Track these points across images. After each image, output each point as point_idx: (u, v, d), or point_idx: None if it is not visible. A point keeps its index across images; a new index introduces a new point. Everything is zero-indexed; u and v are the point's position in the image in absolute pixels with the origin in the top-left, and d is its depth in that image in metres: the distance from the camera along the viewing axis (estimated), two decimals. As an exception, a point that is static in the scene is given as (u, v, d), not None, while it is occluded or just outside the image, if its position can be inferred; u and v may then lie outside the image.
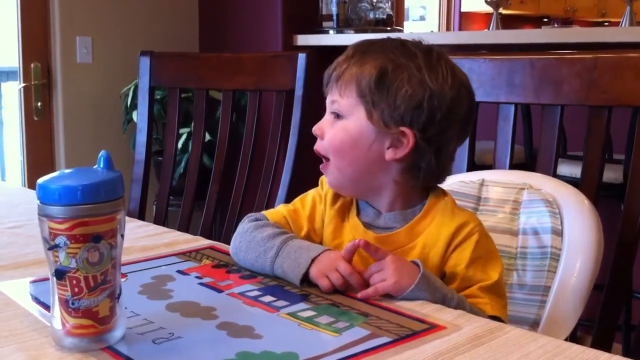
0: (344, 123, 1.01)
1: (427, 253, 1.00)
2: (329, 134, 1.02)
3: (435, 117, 0.98)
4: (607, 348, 1.19)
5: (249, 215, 1.09)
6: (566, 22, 6.60)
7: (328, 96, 1.04)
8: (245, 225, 1.06)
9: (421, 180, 1.02)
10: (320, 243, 1.06)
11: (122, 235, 0.76)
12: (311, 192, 1.11)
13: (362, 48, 1.02)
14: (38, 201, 0.73)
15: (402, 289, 0.91)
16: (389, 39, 1.03)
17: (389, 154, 1.00)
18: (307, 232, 1.07)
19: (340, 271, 0.93)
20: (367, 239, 1.00)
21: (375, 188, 1.03)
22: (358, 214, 1.06)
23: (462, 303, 0.94)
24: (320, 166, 1.06)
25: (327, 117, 1.04)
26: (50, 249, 0.73)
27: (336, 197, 1.08)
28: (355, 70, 1.00)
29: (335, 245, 1.04)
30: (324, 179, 1.10)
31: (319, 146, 1.04)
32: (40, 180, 0.73)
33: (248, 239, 1.04)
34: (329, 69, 1.04)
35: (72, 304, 0.73)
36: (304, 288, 0.94)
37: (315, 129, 1.04)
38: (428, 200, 1.03)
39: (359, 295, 0.91)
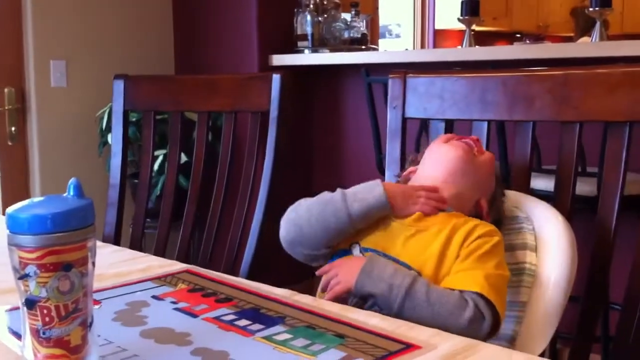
0: None
1: (450, 233, 1.09)
2: None
3: None
4: (585, 359, 1.19)
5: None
6: (538, 38, 6.68)
7: None
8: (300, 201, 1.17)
9: None
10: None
11: (94, 263, 0.75)
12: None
13: None
14: (7, 230, 0.72)
15: (350, 283, 1.04)
16: None
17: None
18: None
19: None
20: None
21: None
22: None
23: (414, 289, 1.00)
24: (467, 145, 1.24)
25: None
26: (20, 278, 0.72)
27: None
28: None
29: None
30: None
31: (476, 142, 1.26)
32: (10, 210, 0.73)
33: (308, 203, 1.14)
34: None
35: (44, 333, 0.72)
36: (280, 312, 0.93)
37: None
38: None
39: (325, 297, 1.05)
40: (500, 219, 1.22)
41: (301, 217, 1.13)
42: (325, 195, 1.14)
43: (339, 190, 1.14)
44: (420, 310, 0.99)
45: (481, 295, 1.01)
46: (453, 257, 1.07)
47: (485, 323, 1.00)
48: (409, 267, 1.06)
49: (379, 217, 1.12)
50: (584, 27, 4.15)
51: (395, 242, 1.10)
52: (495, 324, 1.01)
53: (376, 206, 1.10)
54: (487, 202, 1.20)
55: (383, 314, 0.96)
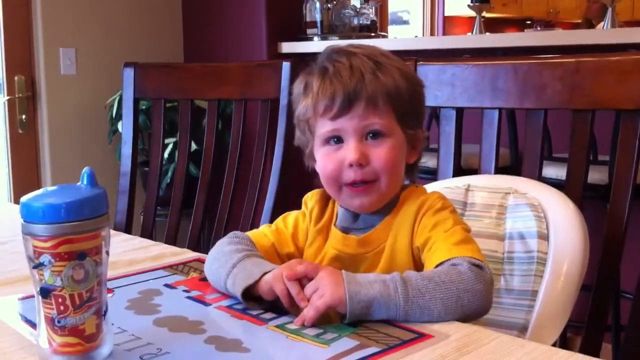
0: (390, 142, 0.98)
1: (395, 235, 1.00)
2: (379, 157, 0.97)
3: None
4: (597, 349, 1.19)
5: (233, 232, 1.07)
6: (549, 24, 6.64)
7: (351, 120, 0.96)
8: (223, 239, 1.04)
9: (415, 176, 1.06)
10: None
11: (108, 252, 0.75)
12: (293, 213, 1.10)
13: (363, 63, 0.97)
14: (22, 220, 0.72)
15: (341, 297, 0.84)
16: (358, 46, 1.02)
17: (412, 158, 1.04)
18: (292, 252, 1.06)
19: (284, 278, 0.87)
20: (349, 243, 1.02)
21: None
22: (335, 222, 1.06)
23: (407, 276, 0.87)
24: (360, 190, 0.98)
25: (358, 142, 0.96)
26: (34, 267, 0.72)
27: (320, 214, 1.07)
28: (382, 87, 0.96)
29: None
30: (307, 199, 1.09)
31: (362, 174, 0.97)
32: (24, 199, 0.73)
33: (217, 249, 1.01)
34: (327, 94, 0.96)
35: (58, 322, 0.73)
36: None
37: (360, 159, 0.96)
38: (402, 193, 1.03)
39: (296, 322, 0.84)
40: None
41: (207, 263, 1.02)
42: (232, 252, 0.98)
43: (241, 254, 0.97)
44: (427, 288, 0.86)
45: (459, 257, 0.92)
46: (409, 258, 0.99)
47: (486, 269, 0.91)
48: None
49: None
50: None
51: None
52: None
53: (237, 294, 0.92)
54: (410, 154, 1.04)
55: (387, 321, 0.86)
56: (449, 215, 0.99)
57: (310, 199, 1.09)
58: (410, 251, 0.99)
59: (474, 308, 0.88)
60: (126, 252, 1.21)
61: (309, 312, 0.84)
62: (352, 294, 0.84)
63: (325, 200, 1.08)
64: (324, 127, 0.99)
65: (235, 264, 0.95)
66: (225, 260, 0.97)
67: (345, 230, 1.04)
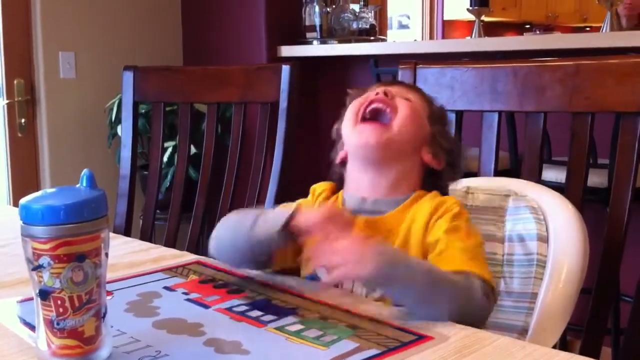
0: (417, 106, 1.12)
1: (408, 227, 1.04)
2: (402, 104, 1.09)
3: None
4: (597, 352, 1.19)
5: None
6: (548, 28, 6.65)
7: (388, 86, 1.13)
8: (226, 216, 1.09)
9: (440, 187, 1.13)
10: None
11: (107, 254, 0.75)
12: (298, 200, 1.14)
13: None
14: (21, 221, 0.72)
15: (359, 276, 0.89)
16: None
17: (436, 163, 1.12)
18: None
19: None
20: (357, 222, 1.04)
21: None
22: (342, 205, 1.10)
23: (434, 267, 0.95)
24: (371, 123, 1.08)
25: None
26: (34, 269, 0.72)
27: (327, 199, 1.12)
28: (423, 95, 1.16)
29: None
30: (315, 189, 1.15)
31: (382, 100, 1.09)
32: (23, 201, 0.73)
33: (228, 219, 1.06)
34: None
35: (57, 324, 0.73)
36: (292, 303, 0.92)
37: (386, 92, 1.10)
38: (419, 190, 1.09)
39: (325, 279, 0.92)
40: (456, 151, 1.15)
41: (218, 231, 1.06)
42: (245, 214, 1.03)
43: (257, 210, 1.03)
44: (445, 286, 0.90)
45: (474, 273, 0.95)
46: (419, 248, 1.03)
47: (495, 293, 0.97)
48: None
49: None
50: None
51: None
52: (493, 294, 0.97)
53: (267, 238, 0.97)
54: (428, 151, 1.11)
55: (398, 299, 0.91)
56: (464, 225, 1.03)
57: (320, 187, 1.16)
58: (422, 245, 1.03)
59: (469, 322, 0.88)
60: (126, 254, 1.21)
61: (338, 274, 0.89)
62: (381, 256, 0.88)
63: (333, 192, 1.14)
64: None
65: (259, 215, 1.00)
66: (245, 216, 1.02)
67: (353, 212, 1.07)
